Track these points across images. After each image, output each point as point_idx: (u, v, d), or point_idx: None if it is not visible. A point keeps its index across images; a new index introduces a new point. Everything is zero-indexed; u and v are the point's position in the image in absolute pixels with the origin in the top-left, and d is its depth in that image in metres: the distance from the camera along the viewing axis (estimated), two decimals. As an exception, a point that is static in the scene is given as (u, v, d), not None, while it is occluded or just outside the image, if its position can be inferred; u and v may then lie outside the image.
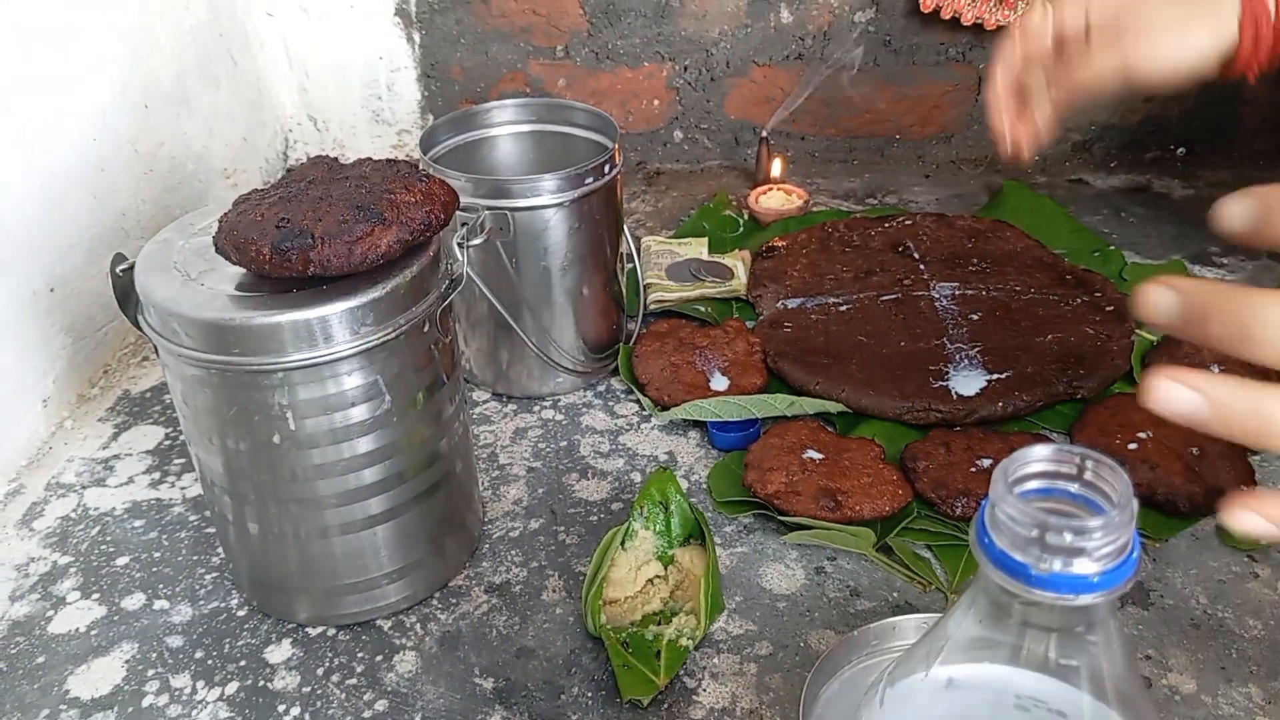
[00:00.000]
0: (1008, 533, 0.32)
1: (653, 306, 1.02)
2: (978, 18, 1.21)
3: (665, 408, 0.89)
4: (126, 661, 0.71)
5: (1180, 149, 1.30)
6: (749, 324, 0.98)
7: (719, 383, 0.90)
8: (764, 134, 1.25)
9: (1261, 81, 0.77)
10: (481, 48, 1.31)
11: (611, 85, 1.32)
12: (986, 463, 0.79)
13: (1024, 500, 0.31)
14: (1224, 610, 0.71)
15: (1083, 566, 0.31)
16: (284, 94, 1.34)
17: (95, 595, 0.76)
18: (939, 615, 0.65)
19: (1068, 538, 0.31)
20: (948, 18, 1.22)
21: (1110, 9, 0.76)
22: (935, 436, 0.82)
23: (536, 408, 0.93)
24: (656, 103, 1.33)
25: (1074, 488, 0.33)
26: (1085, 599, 0.32)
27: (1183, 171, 1.27)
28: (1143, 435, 0.80)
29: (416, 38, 1.31)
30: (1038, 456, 0.33)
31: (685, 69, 1.31)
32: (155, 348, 0.65)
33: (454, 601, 0.74)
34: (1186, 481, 0.77)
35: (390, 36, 1.31)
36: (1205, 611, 0.71)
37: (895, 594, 0.73)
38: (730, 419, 0.86)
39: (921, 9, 1.21)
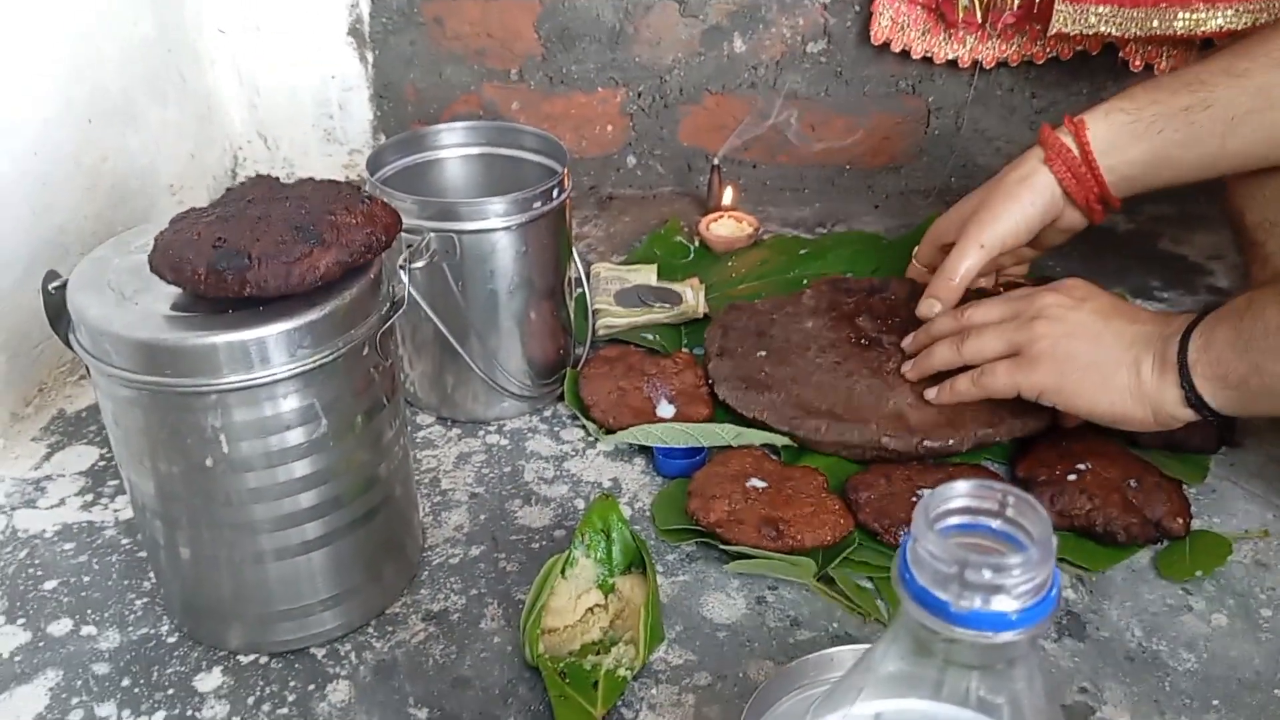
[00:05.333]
0: (928, 569, 0.32)
1: (601, 332, 1.02)
2: (927, 51, 1.23)
3: (610, 430, 0.89)
4: (50, 689, 0.69)
5: (1124, 184, 1.32)
6: (697, 351, 0.98)
7: (665, 410, 0.90)
8: (716, 162, 1.26)
9: (1117, 211, 0.91)
10: (435, 69, 1.31)
11: (565, 110, 1.32)
12: (927, 493, 0.79)
13: (945, 536, 0.31)
14: (1159, 643, 0.72)
15: (1002, 604, 0.31)
16: (234, 111, 1.33)
17: (20, 620, 0.74)
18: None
19: (987, 575, 0.31)
20: (898, 51, 1.23)
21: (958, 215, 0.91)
22: (877, 468, 0.83)
23: (481, 432, 0.92)
24: (610, 128, 1.34)
25: (995, 524, 0.33)
26: (1005, 636, 0.31)
27: (1125, 206, 1.28)
28: (1082, 467, 0.81)
29: (370, 58, 1.30)
30: (959, 492, 0.33)
31: (639, 95, 1.31)
32: (87, 368, 0.64)
33: (390, 629, 0.73)
34: (1124, 513, 0.78)
35: (343, 56, 1.30)
36: (1140, 644, 0.71)
37: (836, 624, 0.73)
38: (676, 445, 0.86)
39: (872, 41, 1.23)
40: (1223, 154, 0.83)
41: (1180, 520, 0.78)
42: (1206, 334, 0.72)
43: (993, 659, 0.33)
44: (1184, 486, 0.82)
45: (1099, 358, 0.76)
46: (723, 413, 0.91)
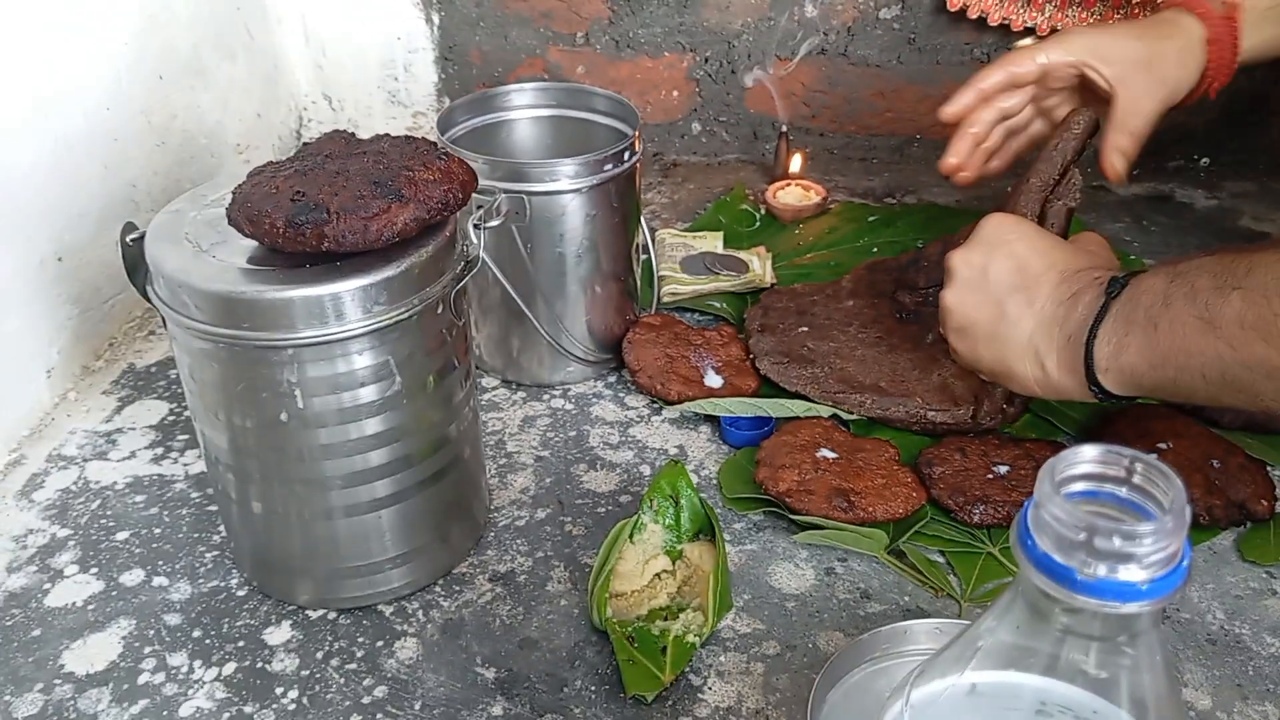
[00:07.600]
0: (1051, 535, 0.30)
1: (667, 299, 1.01)
2: (1005, 18, 1.19)
3: (658, 396, 0.88)
4: (123, 638, 0.69)
5: (1204, 159, 1.28)
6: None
7: (713, 380, 0.89)
8: (783, 128, 1.24)
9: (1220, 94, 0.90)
10: (501, 32, 1.29)
11: (631, 74, 1.31)
12: (1003, 469, 0.78)
13: (1070, 502, 0.30)
14: (1241, 626, 0.70)
15: (1130, 573, 0.30)
16: (300, 71, 1.33)
17: (94, 570, 0.75)
18: (954, 620, 0.63)
19: (1117, 542, 0.29)
20: (974, 17, 1.20)
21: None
22: (950, 442, 0.81)
23: (546, 396, 0.92)
24: (676, 94, 1.32)
25: (1122, 491, 0.31)
26: (1131, 607, 0.30)
27: (1206, 182, 1.25)
28: (1162, 446, 0.79)
29: (435, 19, 1.29)
30: (1086, 457, 0.32)
31: (706, 60, 1.29)
32: (163, 320, 0.64)
33: (457, 589, 0.73)
34: (1206, 494, 0.76)
35: (409, 17, 1.29)
36: (1222, 628, 0.70)
37: (907, 598, 0.72)
38: (745, 416, 0.85)
39: (949, 7, 1.20)
40: None
41: (1265, 502, 0.76)
42: (1118, 338, 0.65)
43: (1115, 631, 0.31)
44: (1269, 468, 0.80)
45: (1001, 351, 0.71)
46: (768, 386, 0.89)
